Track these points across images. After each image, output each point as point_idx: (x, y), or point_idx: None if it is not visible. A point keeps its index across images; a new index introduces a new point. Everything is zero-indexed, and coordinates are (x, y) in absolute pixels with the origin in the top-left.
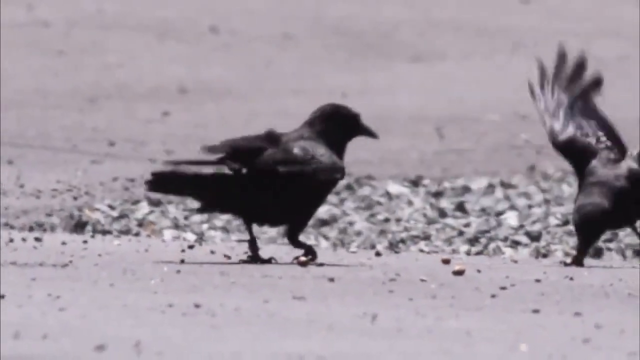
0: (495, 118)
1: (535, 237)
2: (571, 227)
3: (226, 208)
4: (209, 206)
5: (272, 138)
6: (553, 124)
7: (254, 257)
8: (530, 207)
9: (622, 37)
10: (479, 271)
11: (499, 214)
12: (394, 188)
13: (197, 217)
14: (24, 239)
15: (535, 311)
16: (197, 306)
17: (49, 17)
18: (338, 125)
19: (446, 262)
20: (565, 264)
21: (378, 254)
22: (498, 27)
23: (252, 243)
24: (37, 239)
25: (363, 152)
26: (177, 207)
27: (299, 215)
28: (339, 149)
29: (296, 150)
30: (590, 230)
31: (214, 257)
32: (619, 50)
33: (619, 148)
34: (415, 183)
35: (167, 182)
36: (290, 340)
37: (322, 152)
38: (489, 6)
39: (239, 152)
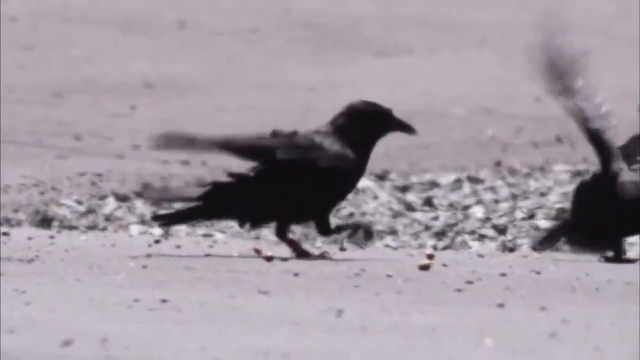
0: (461, 113)
1: (501, 230)
2: (537, 222)
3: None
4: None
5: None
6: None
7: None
8: (497, 201)
9: (589, 31)
10: (445, 265)
11: (466, 208)
12: (361, 182)
13: (163, 212)
14: None
15: (501, 305)
16: (163, 301)
17: (16, 12)
18: (362, 122)
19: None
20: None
21: (342, 248)
22: (464, 22)
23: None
24: (5, 234)
25: None
26: (143, 202)
27: (300, 209)
28: (363, 146)
29: (299, 139)
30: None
31: (179, 251)
32: (585, 45)
33: None
34: (381, 177)
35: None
36: (255, 336)
37: (330, 143)
38: (454, 0)
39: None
